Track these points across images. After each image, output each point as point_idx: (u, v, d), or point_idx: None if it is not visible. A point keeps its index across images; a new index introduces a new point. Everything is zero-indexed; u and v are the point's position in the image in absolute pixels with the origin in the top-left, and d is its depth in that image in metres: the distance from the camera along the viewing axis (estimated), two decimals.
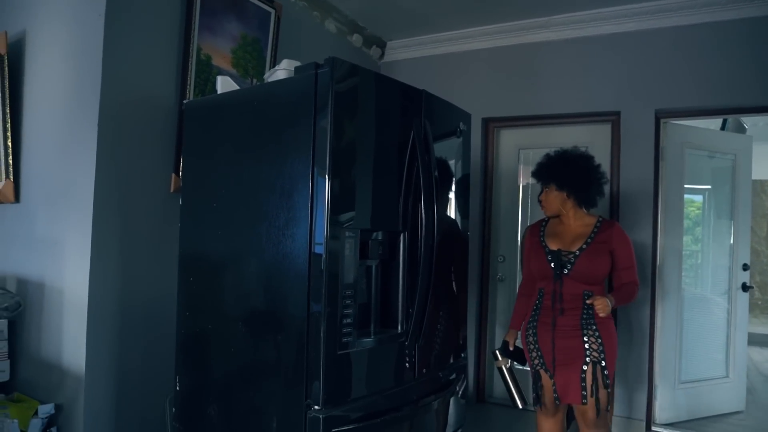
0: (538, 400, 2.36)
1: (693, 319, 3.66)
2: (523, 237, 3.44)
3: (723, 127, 4.59)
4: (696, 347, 3.66)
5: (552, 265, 2.25)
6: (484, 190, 3.97)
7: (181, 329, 2.07)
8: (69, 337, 2.26)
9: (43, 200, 2.44)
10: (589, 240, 2.27)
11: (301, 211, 1.71)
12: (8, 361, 2.36)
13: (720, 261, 3.84)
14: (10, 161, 2.55)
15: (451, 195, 2.29)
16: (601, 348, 2.19)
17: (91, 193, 2.23)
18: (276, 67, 1.95)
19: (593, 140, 3.66)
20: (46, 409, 2.22)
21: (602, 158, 3.60)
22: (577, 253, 2.25)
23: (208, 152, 2.06)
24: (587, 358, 2.19)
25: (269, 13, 3.03)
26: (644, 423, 3.41)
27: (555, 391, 2.27)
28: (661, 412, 3.50)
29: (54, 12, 2.49)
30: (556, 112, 3.68)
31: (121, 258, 2.32)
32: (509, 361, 2.40)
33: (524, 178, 3.97)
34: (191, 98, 2.57)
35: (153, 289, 2.41)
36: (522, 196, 3.96)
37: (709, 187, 3.88)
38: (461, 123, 2.30)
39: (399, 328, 1.93)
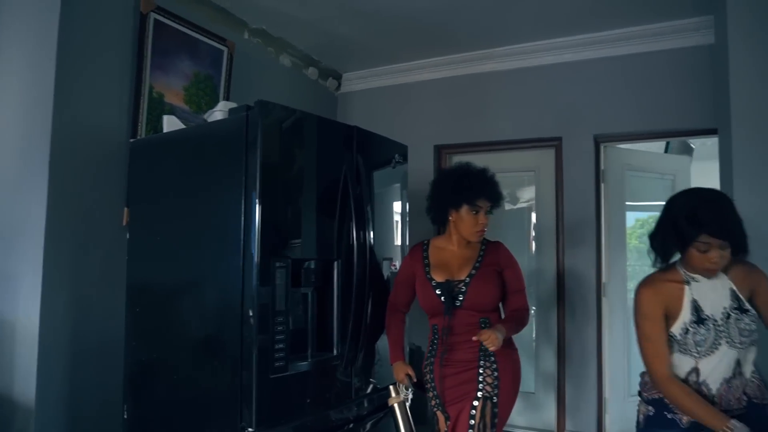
0: None
1: None
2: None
3: (666, 149, 4.82)
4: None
5: (442, 299, 1.99)
6: None
7: (129, 359, 2.15)
8: (20, 370, 2.31)
9: None
10: (477, 264, 2.05)
11: (234, 243, 1.82)
12: None
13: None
14: None
15: (390, 222, 2.42)
16: (495, 382, 1.96)
17: (42, 227, 2.30)
18: (213, 108, 2.08)
19: (539, 164, 3.84)
20: None
21: (548, 182, 3.80)
22: (467, 280, 2.02)
23: (152, 188, 2.17)
24: (479, 393, 1.94)
25: (221, 51, 3.17)
26: None
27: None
28: (611, 425, 3.62)
29: (5, 51, 2.59)
30: (504, 139, 3.86)
31: (73, 290, 2.39)
32: (405, 397, 2.05)
33: None
34: (143, 134, 2.68)
35: (105, 320, 2.47)
36: None
37: (663, 203, 4.06)
38: (396, 155, 2.45)
39: (335, 351, 2.04)
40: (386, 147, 2.41)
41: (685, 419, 1.66)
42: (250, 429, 1.73)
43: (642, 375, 1.83)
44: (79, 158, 2.45)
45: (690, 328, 1.62)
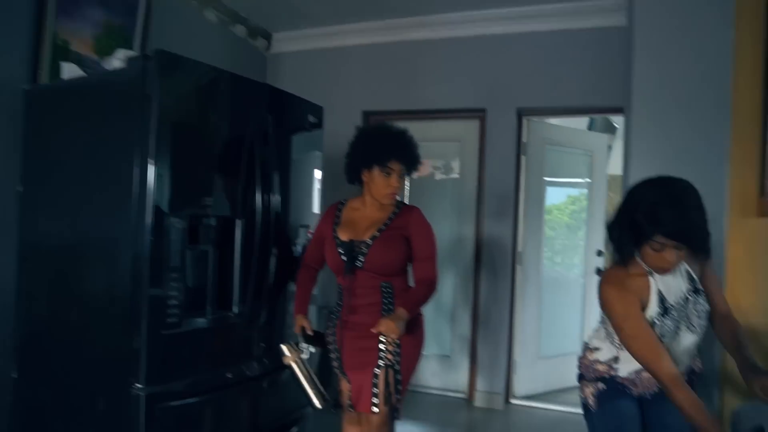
0: (338, 404, 2.08)
1: (553, 300, 4.02)
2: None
3: (590, 126, 5.00)
4: (555, 325, 4.01)
5: (343, 258, 1.97)
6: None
7: (20, 317, 2.08)
8: None
9: None
10: (383, 227, 2.00)
11: (128, 198, 1.77)
12: None
13: (580, 248, 4.24)
14: None
15: (308, 187, 2.42)
16: (397, 350, 1.93)
17: None
18: (112, 56, 1.99)
19: (465, 135, 3.91)
20: None
21: (472, 153, 3.88)
22: (370, 242, 1.97)
23: (48, 139, 2.07)
24: (380, 361, 1.92)
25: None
26: (503, 396, 3.72)
27: (350, 398, 1.99)
28: (519, 386, 3.83)
29: None
30: (432, 108, 3.90)
31: None
32: (302, 352, 2.02)
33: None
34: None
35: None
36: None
37: (589, 180, 4.25)
38: (310, 116, 2.43)
39: (235, 309, 2.04)
40: (300, 108, 2.38)
41: (636, 391, 1.65)
42: (138, 385, 1.72)
43: (580, 359, 1.77)
44: None
45: (656, 321, 1.53)
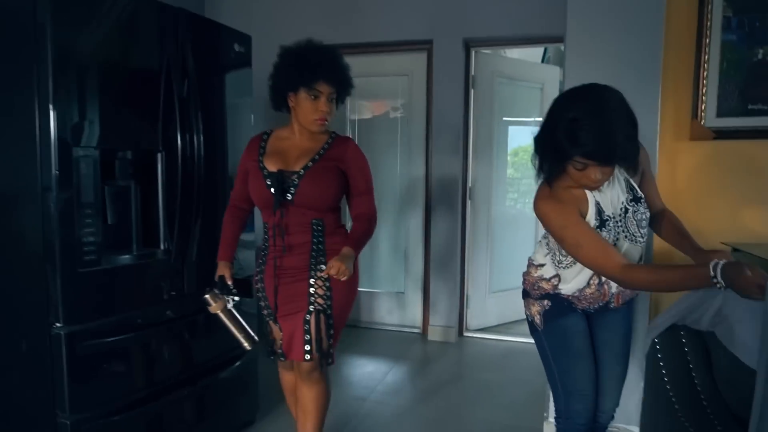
0: (272, 352, 1.99)
1: (506, 236, 4.07)
2: None
3: (544, 59, 4.94)
4: (507, 260, 4.07)
5: (272, 190, 1.81)
6: None
7: None
8: None
9: None
10: (316, 157, 1.84)
11: (29, 131, 1.66)
12: None
13: (532, 184, 4.27)
14: None
15: (243, 124, 2.34)
16: (328, 294, 1.83)
17: None
18: None
19: (413, 68, 3.81)
20: None
21: (420, 87, 3.80)
22: (302, 172, 1.81)
23: None
24: (311, 306, 1.82)
25: None
26: (456, 330, 3.80)
27: (280, 347, 1.91)
28: (472, 319, 3.92)
29: None
30: (378, 40, 3.76)
31: None
32: (226, 300, 1.87)
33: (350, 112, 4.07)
34: None
35: None
36: (349, 125, 4.08)
37: (540, 119, 4.18)
38: (236, 45, 2.31)
39: (162, 246, 1.99)
40: (224, 37, 2.25)
41: (581, 306, 1.65)
42: (58, 324, 1.68)
43: (525, 275, 1.75)
44: None
45: None
